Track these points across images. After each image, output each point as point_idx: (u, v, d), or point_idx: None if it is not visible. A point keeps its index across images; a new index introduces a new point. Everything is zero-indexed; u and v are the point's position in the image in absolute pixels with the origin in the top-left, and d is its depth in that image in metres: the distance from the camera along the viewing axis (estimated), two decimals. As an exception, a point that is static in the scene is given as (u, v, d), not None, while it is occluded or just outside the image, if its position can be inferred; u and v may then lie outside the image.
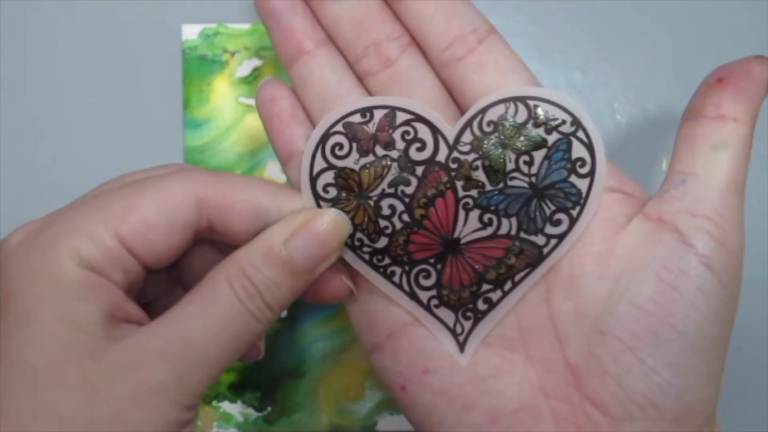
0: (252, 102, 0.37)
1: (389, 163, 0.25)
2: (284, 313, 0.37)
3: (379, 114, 0.25)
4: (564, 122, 0.24)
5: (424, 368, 0.25)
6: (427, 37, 0.26)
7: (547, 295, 0.25)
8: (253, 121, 0.37)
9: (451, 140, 0.25)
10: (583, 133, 0.24)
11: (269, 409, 0.36)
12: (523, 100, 0.24)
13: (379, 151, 0.25)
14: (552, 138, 0.24)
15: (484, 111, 0.25)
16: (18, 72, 0.37)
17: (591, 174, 0.24)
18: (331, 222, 0.24)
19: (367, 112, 0.25)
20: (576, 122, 0.24)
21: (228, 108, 0.37)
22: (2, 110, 0.37)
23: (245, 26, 0.37)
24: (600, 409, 0.24)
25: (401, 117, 0.25)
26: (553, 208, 0.25)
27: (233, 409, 0.36)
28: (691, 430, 0.23)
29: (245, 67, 0.37)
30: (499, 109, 0.24)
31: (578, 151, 0.24)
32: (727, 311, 0.24)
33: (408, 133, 0.25)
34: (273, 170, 0.37)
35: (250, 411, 0.36)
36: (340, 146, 0.25)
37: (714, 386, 0.24)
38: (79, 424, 0.21)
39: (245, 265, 0.23)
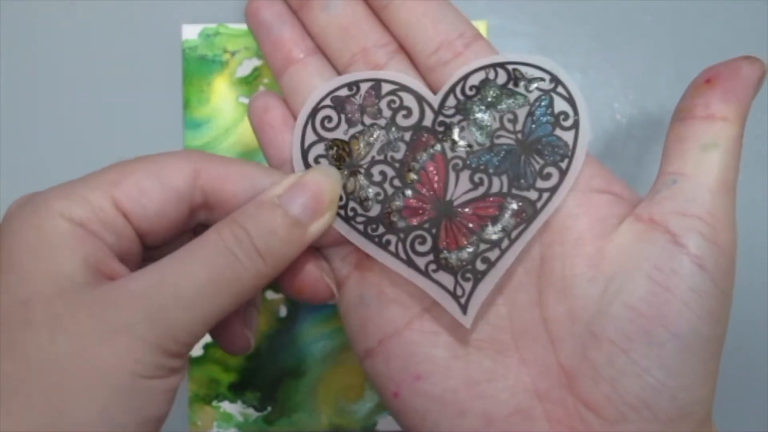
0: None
1: (377, 130, 0.26)
2: (284, 313, 0.37)
3: (365, 86, 0.26)
4: (543, 80, 0.25)
5: (417, 374, 0.25)
6: (414, 43, 0.26)
7: (539, 297, 0.25)
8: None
9: (435, 106, 0.26)
10: (562, 89, 0.25)
11: (269, 409, 0.36)
12: (502, 65, 0.26)
13: (367, 120, 0.26)
14: (533, 95, 0.25)
15: (465, 78, 0.26)
16: (18, 72, 0.37)
17: (575, 126, 0.25)
18: (322, 175, 0.24)
19: (353, 85, 0.26)
20: (555, 79, 0.25)
21: (228, 108, 0.37)
22: (2, 110, 0.37)
23: (245, 26, 0.37)
24: (594, 412, 0.23)
25: (386, 88, 0.26)
26: (541, 162, 0.25)
27: (233, 409, 0.36)
28: (687, 430, 0.23)
29: (245, 67, 0.37)
30: (480, 75, 0.26)
31: (560, 105, 0.25)
32: (720, 311, 0.23)
33: (394, 102, 0.26)
34: (273, 170, 0.37)
35: (250, 411, 0.36)
36: (329, 119, 0.26)
37: (710, 386, 0.24)
38: (42, 360, 0.20)
39: (237, 216, 0.23)
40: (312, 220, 0.23)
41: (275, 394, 0.37)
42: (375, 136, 0.26)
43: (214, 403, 0.36)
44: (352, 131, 0.26)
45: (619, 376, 0.23)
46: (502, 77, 0.25)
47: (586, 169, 0.25)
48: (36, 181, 0.37)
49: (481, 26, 0.37)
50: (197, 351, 0.37)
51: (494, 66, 0.25)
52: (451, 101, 0.26)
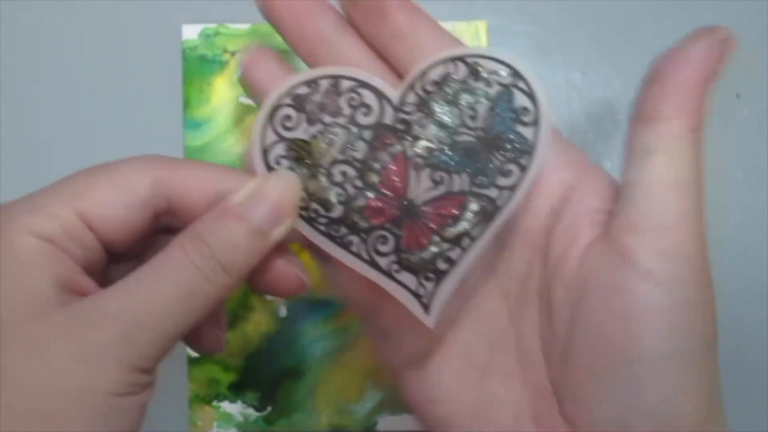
0: (252, 102, 0.37)
1: (337, 129, 0.25)
2: (284, 313, 0.37)
3: (324, 83, 0.25)
4: (503, 74, 0.25)
5: (428, 398, 0.26)
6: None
7: (539, 320, 0.25)
8: (253, 121, 0.37)
9: (395, 102, 0.25)
10: (523, 83, 0.25)
11: (269, 409, 0.36)
12: (461, 58, 0.25)
13: (327, 119, 0.25)
14: (494, 90, 0.25)
15: (425, 72, 0.25)
16: (18, 72, 0.37)
17: (536, 122, 0.24)
18: (281, 181, 0.24)
19: (312, 82, 0.25)
20: (515, 73, 0.25)
21: (228, 108, 0.37)
22: (2, 110, 0.37)
23: (245, 26, 0.37)
24: None
25: (345, 84, 0.25)
26: (502, 159, 0.25)
27: (233, 409, 0.36)
28: None
29: (245, 67, 0.37)
30: (440, 69, 0.25)
31: (521, 100, 0.25)
32: (689, 321, 0.22)
33: (353, 99, 0.25)
34: (273, 170, 0.37)
35: (250, 411, 0.36)
36: (289, 118, 0.25)
37: (700, 394, 0.23)
38: (19, 384, 0.20)
39: (200, 229, 0.23)
40: (274, 228, 0.23)
41: (275, 394, 0.37)
42: (335, 135, 0.25)
43: (214, 403, 0.36)
44: (312, 130, 0.25)
45: (592, 400, 0.23)
46: (462, 71, 0.25)
47: (587, 186, 0.25)
48: (36, 180, 0.37)
49: (481, 26, 0.37)
50: (197, 351, 0.37)
51: (454, 59, 0.25)
52: (412, 97, 0.25)
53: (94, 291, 0.23)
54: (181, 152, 0.37)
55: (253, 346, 0.37)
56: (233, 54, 0.37)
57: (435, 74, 0.25)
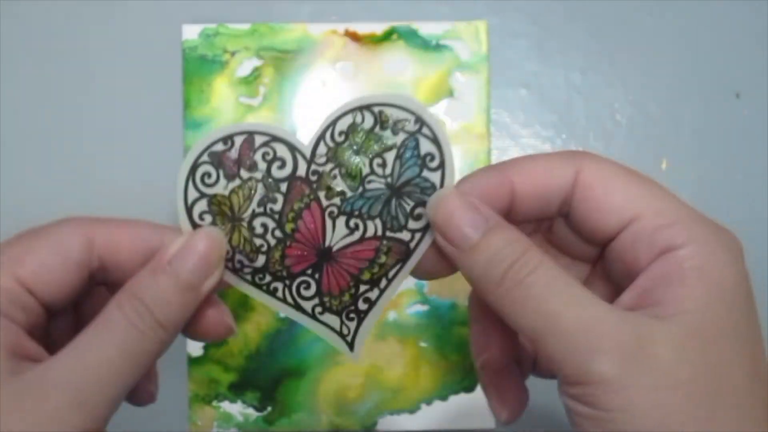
0: (252, 102, 0.37)
1: (255, 183, 0.26)
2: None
3: (239, 140, 0.26)
4: (408, 121, 0.26)
5: None
6: None
7: None
8: (253, 121, 0.37)
9: (307, 155, 0.26)
10: (427, 129, 0.26)
11: (269, 409, 0.36)
12: (368, 107, 0.26)
13: (244, 174, 0.26)
14: (400, 138, 0.26)
15: (334, 123, 0.26)
16: (18, 72, 0.37)
17: (441, 166, 0.26)
18: (207, 237, 0.25)
19: (228, 139, 0.26)
20: (419, 120, 0.26)
21: (228, 108, 0.37)
22: (2, 109, 0.37)
23: (245, 26, 0.37)
24: None
25: (259, 140, 0.26)
26: (411, 204, 0.26)
27: (233, 409, 0.36)
28: None
29: (245, 67, 0.37)
30: (348, 119, 0.26)
31: (426, 146, 0.26)
32: None
33: (268, 153, 0.26)
34: (273, 170, 0.37)
35: (250, 411, 0.36)
36: (209, 175, 0.26)
37: None
38: None
39: (135, 288, 0.24)
40: (203, 281, 0.24)
41: (275, 394, 0.37)
42: (253, 189, 0.26)
43: (214, 403, 0.36)
44: (231, 185, 0.26)
45: None
46: (368, 121, 0.26)
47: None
48: (36, 180, 0.37)
49: (481, 26, 0.37)
50: (197, 351, 0.37)
51: (360, 109, 0.26)
52: (322, 149, 0.26)
53: (41, 355, 0.24)
54: (180, 152, 0.37)
55: (253, 346, 0.37)
56: (233, 54, 0.37)
57: (343, 124, 0.26)
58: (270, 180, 0.26)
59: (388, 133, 0.26)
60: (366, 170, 0.26)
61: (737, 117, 0.38)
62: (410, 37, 0.37)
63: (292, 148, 0.26)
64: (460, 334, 0.37)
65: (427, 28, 0.37)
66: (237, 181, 0.26)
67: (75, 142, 0.37)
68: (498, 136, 0.38)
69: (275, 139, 0.26)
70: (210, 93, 0.37)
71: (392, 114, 0.26)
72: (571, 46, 0.38)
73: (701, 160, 0.38)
